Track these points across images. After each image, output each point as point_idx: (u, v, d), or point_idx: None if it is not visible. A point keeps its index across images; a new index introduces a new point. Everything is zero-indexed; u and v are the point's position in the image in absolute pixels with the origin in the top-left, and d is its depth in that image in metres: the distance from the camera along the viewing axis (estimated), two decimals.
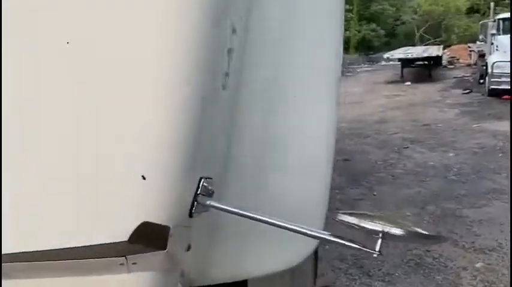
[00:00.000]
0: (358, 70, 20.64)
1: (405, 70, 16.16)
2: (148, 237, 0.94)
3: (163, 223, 0.97)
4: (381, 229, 0.86)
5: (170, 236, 0.96)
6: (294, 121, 1.45)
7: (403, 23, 28.69)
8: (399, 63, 16.53)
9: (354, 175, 5.84)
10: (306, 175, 1.49)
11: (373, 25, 27.40)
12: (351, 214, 0.91)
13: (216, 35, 0.98)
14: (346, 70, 20.56)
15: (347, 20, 26.52)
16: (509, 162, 5.56)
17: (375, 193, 5.08)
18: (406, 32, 28.04)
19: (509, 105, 9.03)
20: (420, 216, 4.36)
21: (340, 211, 0.92)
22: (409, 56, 15.99)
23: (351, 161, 6.59)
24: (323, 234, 0.94)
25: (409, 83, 15.11)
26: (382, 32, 27.77)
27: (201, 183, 1.06)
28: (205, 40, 0.96)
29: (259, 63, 1.38)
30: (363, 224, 0.86)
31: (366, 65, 22.43)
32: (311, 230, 0.96)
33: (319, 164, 1.52)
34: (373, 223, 0.86)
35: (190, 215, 1.05)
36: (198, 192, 1.05)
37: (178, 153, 0.96)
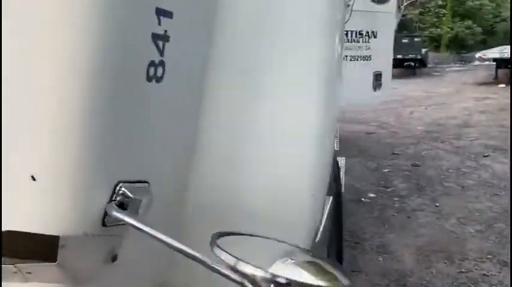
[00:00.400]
0: (447, 70, 19.29)
1: (500, 71, 14.81)
2: (33, 247, 0.83)
3: (60, 231, 0.85)
4: (263, 275, 0.64)
5: (62, 247, 0.85)
6: (271, 125, 1.27)
7: (504, 19, 26.29)
8: (494, 63, 15.19)
9: (420, 183, 5.40)
10: (284, 186, 1.30)
11: (469, 22, 25.41)
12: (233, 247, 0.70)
13: (126, 16, 0.84)
14: (433, 69, 19.34)
15: (438, 17, 24.91)
16: None
17: (438, 204, 4.63)
18: (507, 29, 25.69)
19: None
20: (485, 234, 3.88)
21: (219, 238, 0.71)
22: (505, 55, 14.58)
23: (420, 167, 6.12)
24: (203, 258, 0.75)
25: (503, 85, 13.81)
26: (479, 29, 25.67)
27: (117, 189, 0.92)
28: (111, 23, 0.82)
29: (231, 56, 1.22)
30: (241, 268, 0.65)
31: (457, 65, 20.91)
32: (193, 253, 0.78)
33: (303, 175, 1.32)
34: (255, 268, 0.64)
35: (104, 224, 0.92)
36: (114, 198, 0.92)
37: (76, 151, 0.84)
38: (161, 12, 0.91)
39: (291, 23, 1.25)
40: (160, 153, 1.07)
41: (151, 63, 0.92)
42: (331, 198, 2.14)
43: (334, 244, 2.37)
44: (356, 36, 3.32)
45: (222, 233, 0.75)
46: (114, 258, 1.02)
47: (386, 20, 3.48)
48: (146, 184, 1.03)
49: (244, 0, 1.21)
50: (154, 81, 0.95)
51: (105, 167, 0.90)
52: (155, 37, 0.91)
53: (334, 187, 2.37)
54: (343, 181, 3.86)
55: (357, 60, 3.49)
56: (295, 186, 1.31)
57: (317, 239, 1.63)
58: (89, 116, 0.85)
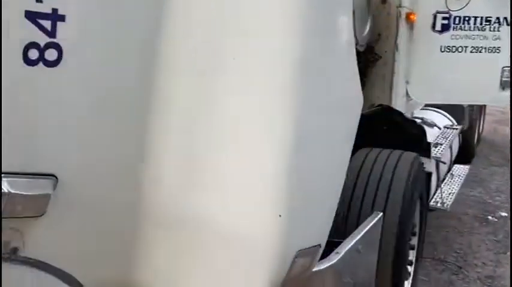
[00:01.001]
0: None
1: None
2: None
3: None
4: None
5: None
6: (232, 132, 1.09)
7: None
8: None
9: None
10: (246, 203, 1.11)
11: None
12: None
13: None
14: None
15: None
16: None
17: None
18: None
19: None
20: None
21: None
22: None
23: None
24: None
25: None
26: None
27: None
28: None
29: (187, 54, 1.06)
30: None
31: None
32: None
33: (265, 191, 1.11)
34: None
35: None
36: None
37: None
38: None
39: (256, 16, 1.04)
40: (73, 145, 0.97)
41: (32, 45, 0.82)
42: (380, 214, 1.83)
43: (391, 266, 2.02)
44: (481, 24, 2.77)
45: None
46: (13, 251, 0.97)
47: None
48: (51, 178, 0.94)
49: None
50: (41, 64, 0.84)
51: None
52: (32, 15, 0.80)
53: (400, 206, 1.99)
54: (453, 195, 3.32)
55: (481, 52, 2.92)
56: (256, 206, 1.11)
57: (326, 264, 1.39)
58: None
